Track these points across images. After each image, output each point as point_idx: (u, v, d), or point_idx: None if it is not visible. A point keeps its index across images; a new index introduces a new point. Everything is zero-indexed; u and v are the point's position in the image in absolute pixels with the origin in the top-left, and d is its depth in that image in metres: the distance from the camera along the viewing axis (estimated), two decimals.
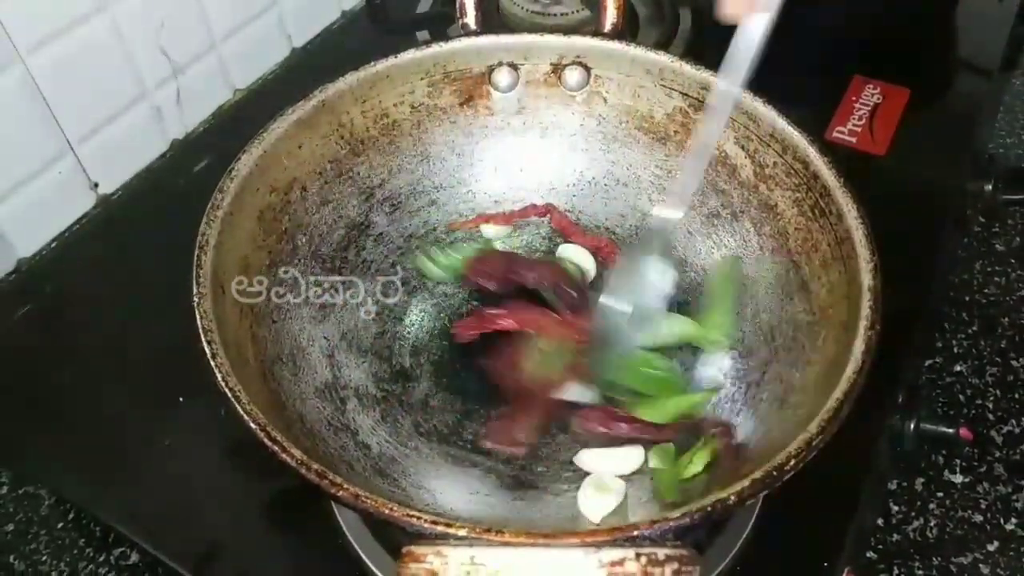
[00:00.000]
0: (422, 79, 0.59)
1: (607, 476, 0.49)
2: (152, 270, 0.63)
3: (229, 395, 0.41)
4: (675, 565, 0.35)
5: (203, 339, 0.43)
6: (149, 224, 0.72)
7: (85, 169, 0.72)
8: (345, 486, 0.37)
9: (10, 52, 0.63)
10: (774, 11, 0.45)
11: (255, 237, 0.52)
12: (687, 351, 0.55)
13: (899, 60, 0.81)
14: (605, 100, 0.61)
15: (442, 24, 0.86)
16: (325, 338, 0.54)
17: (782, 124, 0.53)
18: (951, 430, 0.58)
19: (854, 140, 0.74)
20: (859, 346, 0.43)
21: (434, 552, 0.35)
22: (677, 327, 0.55)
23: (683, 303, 0.57)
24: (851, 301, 0.46)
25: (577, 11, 0.82)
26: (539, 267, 0.58)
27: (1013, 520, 0.59)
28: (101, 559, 0.56)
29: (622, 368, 0.53)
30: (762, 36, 0.45)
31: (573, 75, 0.61)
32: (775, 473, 0.38)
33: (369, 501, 0.37)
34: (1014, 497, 0.60)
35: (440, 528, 0.36)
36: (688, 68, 0.57)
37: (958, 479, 0.61)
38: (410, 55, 0.58)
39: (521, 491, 0.49)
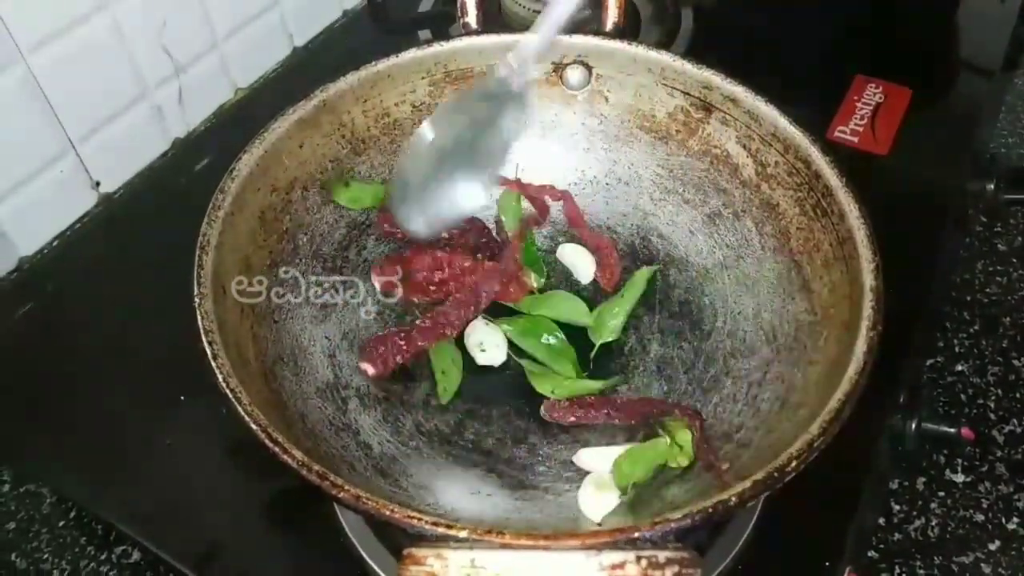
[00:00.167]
0: (423, 78, 0.59)
1: (607, 474, 0.49)
2: (153, 269, 0.63)
3: (230, 396, 0.41)
4: (676, 568, 0.35)
5: (204, 339, 0.43)
6: (150, 223, 0.72)
7: (87, 168, 0.72)
8: (346, 487, 0.37)
9: (12, 51, 0.63)
10: None
11: (256, 237, 0.52)
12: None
13: (901, 60, 0.81)
14: (606, 99, 0.61)
15: (443, 23, 0.85)
16: (326, 338, 0.54)
17: (784, 123, 0.53)
18: (952, 430, 0.58)
19: (856, 140, 0.74)
20: (861, 346, 0.43)
21: (435, 555, 0.35)
22: (572, 307, 0.57)
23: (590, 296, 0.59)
24: (853, 301, 0.46)
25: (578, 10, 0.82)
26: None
27: (1015, 520, 0.59)
28: (102, 558, 0.56)
29: (522, 331, 0.56)
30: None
31: (575, 74, 0.61)
32: (777, 474, 0.38)
33: (370, 502, 0.37)
34: (1015, 497, 0.60)
35: (441, 529, 0.36)
36: (690, 67, 0.57)
37: (959, 479, 0.61)
38: (411, 54, 0.58)
39: (522, 491, 0.48)
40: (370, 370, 0.53)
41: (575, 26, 0.54)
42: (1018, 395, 0.65)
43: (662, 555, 0.35)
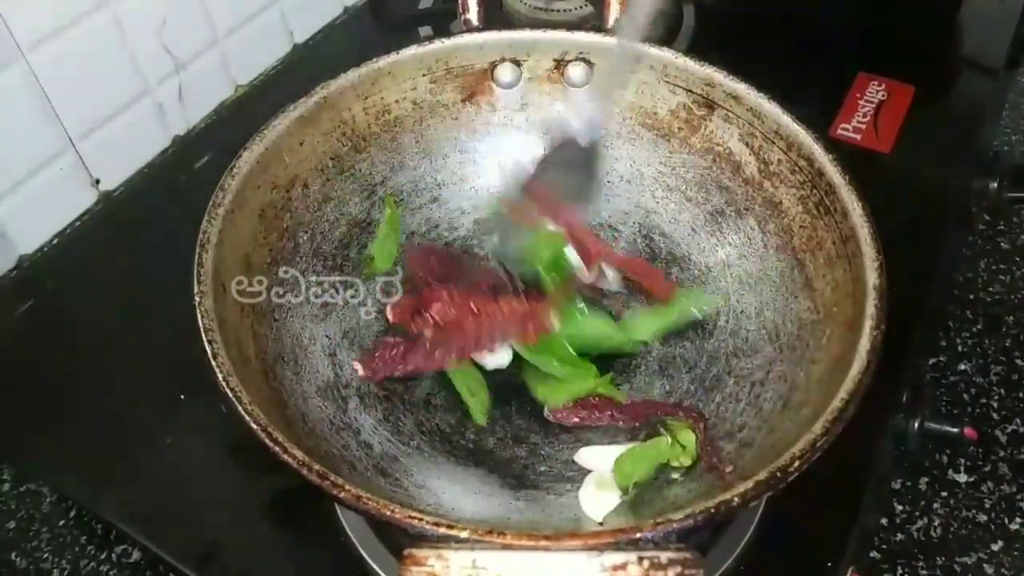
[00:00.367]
0: (424, 75, 0.59)
1: (609, 474, 0.49)
2: (153, 267, 0.64)
3: (230, 395, 0.40)
4: (678, 568, 0.35)
5: (204, 338, 0.43)
6: (150, 221, 0.72)
7: (87, 166, 0.72)
8: (347, 487, 0.37)
9: (12, 49, 0.63)
10: None
11: (256, 235, 0.52)
12: None
13: (904, 57, 0.81)
14: None
15: (444, 20, 0.85)
16: (327, 336, 0.54)
17: (787, 121, 0.53)
18: (955, 429, 0.58)
19: (859, 137, 0.74)
20: (864, 345, 0.42)
21: (435, 555, 0.35)
22: (597, 328, 0.54)
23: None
24: (856, 300, 0.46)
25: (579, 7, 0.82)
26: (478, 271, 0.58)
27: (1017, 520, 0.59)
28: (103, 557, 0.56)
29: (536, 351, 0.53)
30: None
31: (576, 71, 0.60)
32: (779, 474, 0.38)
33: (371, 502, 0.37)
34: (1018, 496, 0.60)
35: (442, 530, 0.36)
36: (692, 64, 0.57)
37: (962, 478, 0.61)
38: (412, 51, 0.58)
39: (523, 491, 0.48)
40: (360, 371, 0.53)
41: (576, 23, 0.54)
42: (1021, 394, 0.65)
43: (664, 556, 0.35)
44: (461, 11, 0.60)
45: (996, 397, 0.65)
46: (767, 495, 0.38)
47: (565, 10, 0.82)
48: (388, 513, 0.36)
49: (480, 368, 0.54)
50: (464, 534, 0.36)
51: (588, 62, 0.60)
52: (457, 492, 0.48)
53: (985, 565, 0.56)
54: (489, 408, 0.53)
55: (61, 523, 0.58)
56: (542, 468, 0.50)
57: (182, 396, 0.59)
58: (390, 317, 0.56)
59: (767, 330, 0.53)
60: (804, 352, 0.49)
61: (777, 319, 0.52)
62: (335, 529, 0.51)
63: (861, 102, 0.76)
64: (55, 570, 0.56)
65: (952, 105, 0.80)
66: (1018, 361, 0.67)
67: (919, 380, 0.65)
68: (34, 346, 0.64)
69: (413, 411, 0.53)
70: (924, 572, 0.56)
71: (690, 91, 0.58)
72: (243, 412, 0.40)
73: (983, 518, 0.59)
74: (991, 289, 0.72)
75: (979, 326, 0.69)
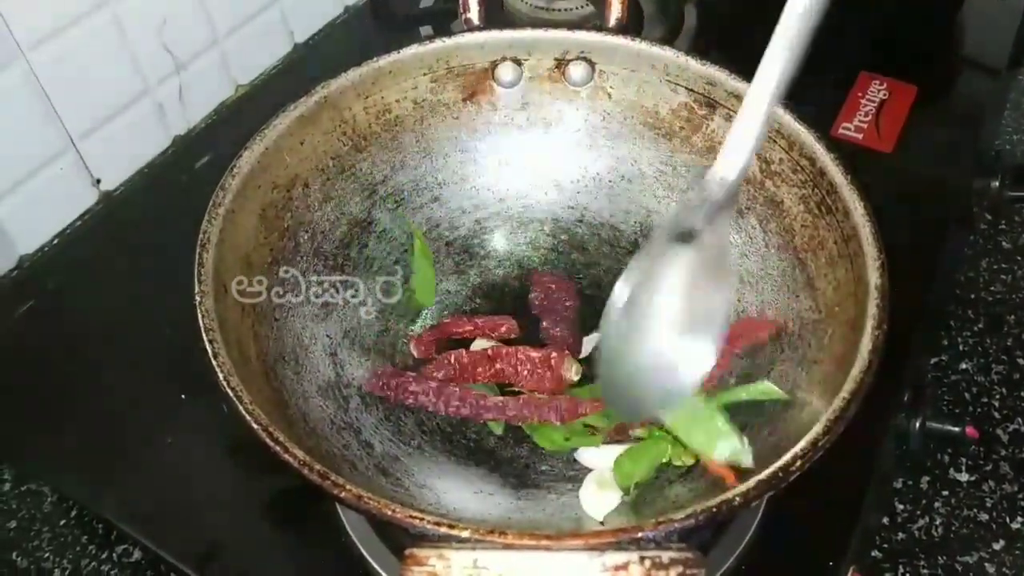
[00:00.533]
0: (425, 74, 0.59)
1: (609, 472, 0.49)
2: (154, 267, 0.64)
3: (231, 395, 0.40)
4: (680, 568, 0.34)
5: (204, 338, 0.42)
6: (151, 221, 0.72)
7: (87, 165, 0.72)
8: (348, 487, 0.37)
9: (12, 48, 0.63)
10: None
11: (257, 235, 0.52)
12: None
13: (906, 57, 0.81)
14: (609, 96, 0.60)
15: (445, 19, 0.85)
16: (328, 336, 0.54)
17: (788, 120, 0.53)
18: (957, 428, 0.58)
19: (860, 137, 0.74)
20: (866, 345, 0.42)
21: (437, 555, 0.35)
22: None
23: None
24: (858, 299, 0.45)
25: (581, 6, 0.82)
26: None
27: (1019, 519, 0.59)
28: (103, 556, 0.56)
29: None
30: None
31: (577, 70, 0.60)
32: (781, 474, 0.38)
33: (372, 502, 0.36)
34: (1020, 496, 0.59)
35: (443, 529, 0.36)
36: (693, 63, 0.57)
37: (964, 478, 0.61)
38: (413, 50, 0.58)
39: (524, 491, 0.48)
40: (364, 385, 0.53)
41: (577, 22, 0.53)
42: (1022, 394, 0.65)
43: (666, 555, 0.35)
44: (462, 10, 0.60)
45: (997, 396, 0.65)
46: (768, 494, 0.38)
47: (566, 9, 0.82)
48: (389, 513, 0.36)
49: None
50: (465, 534, 0.36)
51: (589, 61, 0.60)
52: (458, 492, 0.48)
53: (986, 564, 0.56)
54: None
55: (62, 523, 0.58)
56: (543, 467, 0.50)
57: (182, 396, 0.59)
58: (415, 352, 0.56)
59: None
60: (806, 352, 0.49)
61: (779, 318, 0.52)
62: (336, 529, 0.51)
63: (863, 101, 0.76)
64: (56, 570, 0.56)
65: (954, 104, 0.80)
66: (1019, 360, 0.67)
67: (921, 379, 0.65)
68: (34, 346, 0.64)
69: (414, 411, 0.53)
70: (925, 571, 0.56)
71: (691, 90, 0.57)
72: (244, 412, 0.40)
73: (984, 517, 0.59)
74: (992, 288, 0.72)
75: (980, 325, 0.69)
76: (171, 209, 0.70)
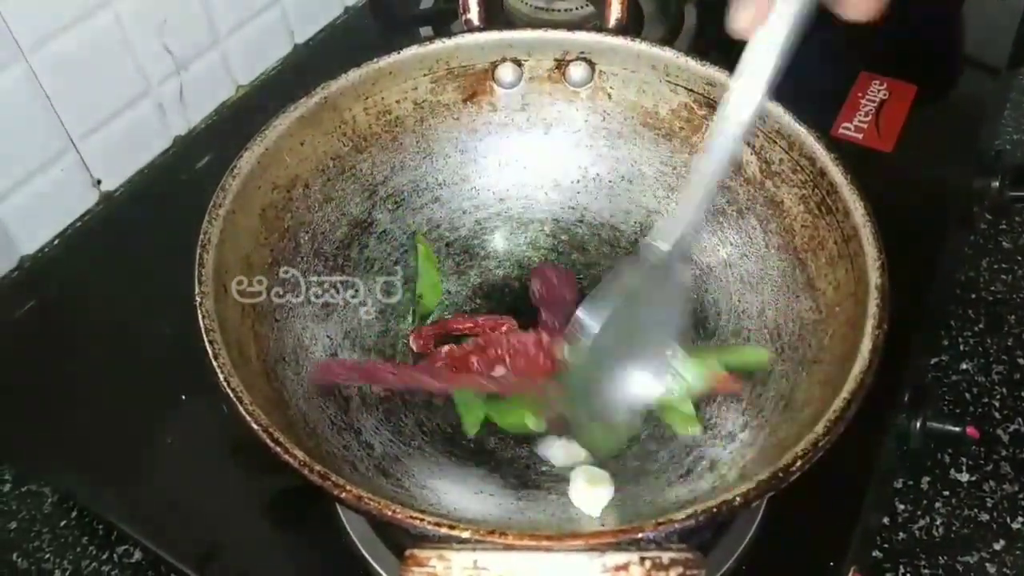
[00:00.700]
0: (425, 75, 0.59)
1: (595, 466, 0.49)
2: (155, 267, 0.63)
3: (231, 395, 0.40)
4: (680, 568, 0.34)
5: (205, 338, 0.42)
6: (152, 221, 0.72)
7: (88, 166, 0.72)
8: (348, 487, 0.37)
9: (13, 49, 0.63)
10: (790, 24, 0.39)
11: (257, 235, 0.52)
12: None
13: (906, 56, 0.80)
14: (609, 96, 0.60)
15: (445, 20, 0.85)
16: (328, 337, 0.54)
17: (788, 120, 0.53)
18: (957, 428, 0.58)
19: (860, 136, 0.74)
20: (866, 345, 0.42)
21: (437, 556, 0.35)
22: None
23: None
24: (858, 299, 0.45)
25: (581, 6, 0.82)
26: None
27: (1020, 519, 0.59)
28: (104, 557, 0.56)
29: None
30: (777, 53, 0.39)
31: (577, 71, 0.60)
32: (781, 474, 0.38)
33: (372, 503, 0.36)
34: (1020, 496, 0.59)
35: (444, 530, 0.36)
36: (693, 64, 0.57)
37: (964, 478, 0.61)
38: (413, 51, 0.58)
39: (525, 491, 0.48)
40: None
41: (577, 22, 0.53)
42: (1023, 393, 0.65)
43: (666, 556, 0.35)
44: (462, 11, 0.60)
45: (998, 396, 0.65)
46: (769, 495, 0.38)
47: (566, 10, 0.82)
48: (389, 513, 0.36)
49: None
50: (466, 534, 0.36)
51: (590, 62, 0.60)
52: (458, 493, 0.48)
53: (987, 564, 0.56)
54: (483, 423, 0.52)
55: (62, 523, 0.58)
56: (543, 468, 0.50)
57: (183, 396, 0.59)
58: (414, 347, 0.57)
59: (768, 330, 0.53)
60: (806, 352, 0.49)
61: (779, 319, 0.52)
62: (336, 529, 0.51)
63: (863, 101, 0.76)
64: (56, 570, 0.56)
65: (954, 104, 0.80)
66: (1020, 360, 0.67)
67: (921, 379, 0.65)
68: (35, 346, 0.64)
69: (414, 411, 0.53)
70: (926, 571, 0.56)
71: (691, 90, 0.57)
72: (244, 412, 0.40)
73: (985, 517, 0.59)
74: (993, 288, 0.72)
75: (981, 325, 0.69)
76: (171, 209, 0.70)
